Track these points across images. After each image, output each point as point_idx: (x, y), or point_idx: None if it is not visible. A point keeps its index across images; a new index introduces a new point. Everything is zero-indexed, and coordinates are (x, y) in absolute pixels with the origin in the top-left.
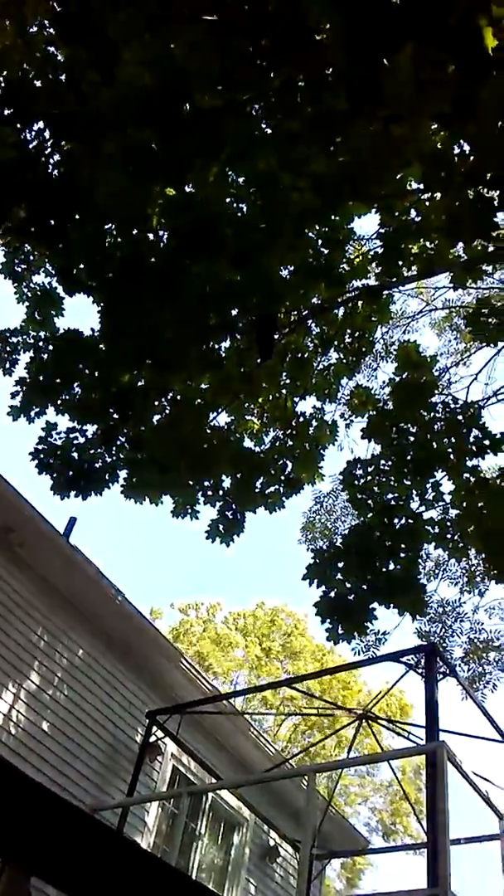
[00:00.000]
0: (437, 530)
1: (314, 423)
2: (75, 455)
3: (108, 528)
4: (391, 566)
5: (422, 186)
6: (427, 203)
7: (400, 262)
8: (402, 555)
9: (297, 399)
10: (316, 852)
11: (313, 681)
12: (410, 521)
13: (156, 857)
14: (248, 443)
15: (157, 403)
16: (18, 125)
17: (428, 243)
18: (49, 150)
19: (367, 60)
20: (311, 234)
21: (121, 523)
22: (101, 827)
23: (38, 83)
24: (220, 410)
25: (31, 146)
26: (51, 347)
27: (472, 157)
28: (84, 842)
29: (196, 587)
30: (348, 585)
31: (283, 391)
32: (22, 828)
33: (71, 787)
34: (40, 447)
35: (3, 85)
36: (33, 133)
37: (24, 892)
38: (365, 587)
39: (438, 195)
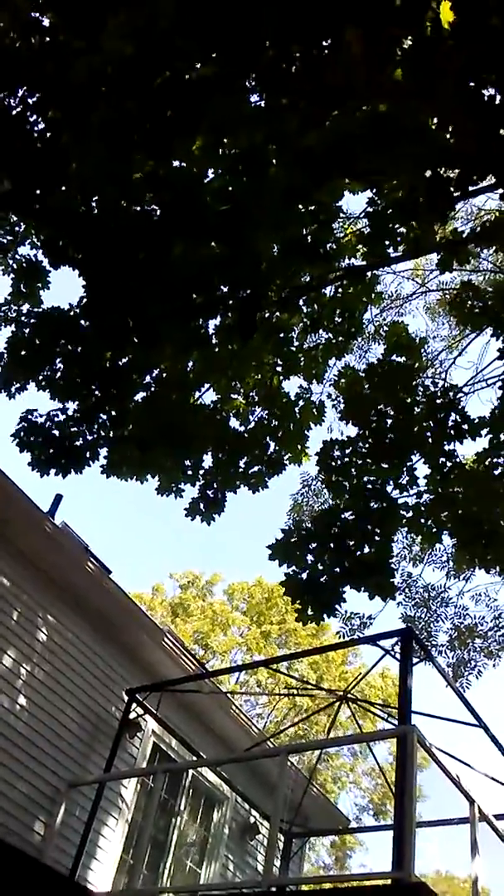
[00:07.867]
0: (410, 514)
1: (301, 402)
2: (56, 432)
3: (105, 504)
4: (365, 549)
5: None
6: None
7: (387, 242)
8: (376, 538)
9: (283, 379)
10: (296, 830)
11: (305, 664)
12: (384, 504)
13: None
14: (233, 422)
15: (140, 381)
16: (3, 91)
17: (415, 223)
18: (34, 117)
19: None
20: (299, 210)
21: (119, 499)
22: None
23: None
24: (205, 389)
25: (14, 112)
26: (32, 321)
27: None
28: None
29: (195, 565)
30: (320, 567)
31: (270, 370)
32: None
33: (49, 762)
34: (21, 426)
35: None
36: (17, 99)
37: None
38: (337, 570)
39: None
